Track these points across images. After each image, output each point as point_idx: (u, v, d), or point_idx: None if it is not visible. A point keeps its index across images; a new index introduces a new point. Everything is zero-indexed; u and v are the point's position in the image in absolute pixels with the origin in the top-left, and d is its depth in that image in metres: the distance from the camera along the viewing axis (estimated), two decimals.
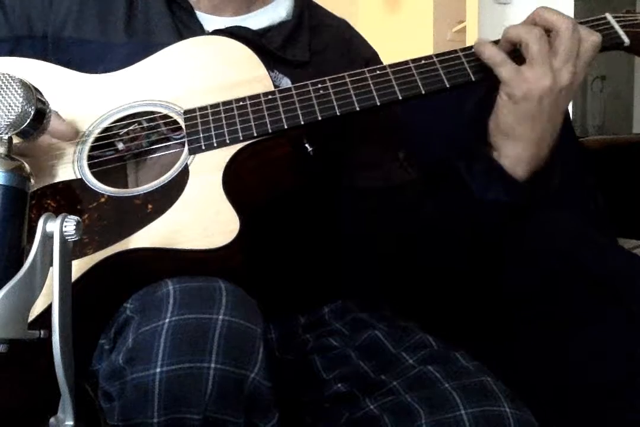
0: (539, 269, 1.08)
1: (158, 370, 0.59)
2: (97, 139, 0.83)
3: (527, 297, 1.07)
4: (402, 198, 0.92)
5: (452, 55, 0.81)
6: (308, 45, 0.96)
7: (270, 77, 0.86)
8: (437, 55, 0.81)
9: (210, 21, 0.94)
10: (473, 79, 0.80)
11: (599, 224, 1.18)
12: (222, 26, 0.92)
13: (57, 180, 0.81)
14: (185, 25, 0.93)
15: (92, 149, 0.82)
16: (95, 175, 0.80)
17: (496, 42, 0.81)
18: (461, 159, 0.84)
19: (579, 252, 1.09)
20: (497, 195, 0.81)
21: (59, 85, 0.87)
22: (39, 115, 0.60)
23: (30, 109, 0.59)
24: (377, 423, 0.72)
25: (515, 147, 0.80)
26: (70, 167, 0.81)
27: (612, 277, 1.08)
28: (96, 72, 0.87)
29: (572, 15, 2.48)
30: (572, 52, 0.77)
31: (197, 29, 0.93)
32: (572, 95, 0.80)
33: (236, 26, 0.93)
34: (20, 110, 0.58)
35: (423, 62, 0.81)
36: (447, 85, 0.80)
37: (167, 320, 0.62)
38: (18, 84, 0.59)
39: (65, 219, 0.56)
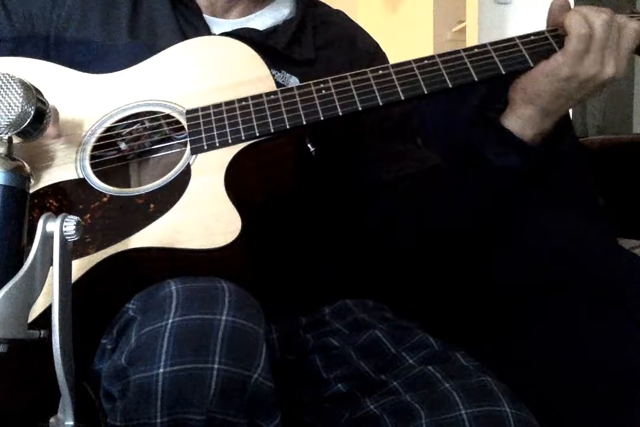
0: (537, 268, 1.08)
1: (161, 370, 0.59)
2: (99, 139, 0.83)
3: (526, 296, 1.07)
4: (435, 181, 0.93)
5: (455, 56, 0.81)
6: (313, 43, 0.96)
7: (279, 77, 0.86)
8: (439, 56, 0.81)
9: (216, 24, 0.94)
10: (475, 79, 0.80)
11: (599, 224, 1.18)
12: (228, 29, 0.92)
13: (59, 179, 0.81)
14: (193, 27, 0.93)
15: (95, 148, 0.82)
16: (98, 175, 0.80)
17: (500, 42, 0.82)
18: (471, 133, 0.85)
19: (578, 251, 1.09)
20: (511, 162, 0.83)
21: (61, 85, 0.87)
22: (39, 115, 0.60)
23: (30, 109, 0.59)
24: (377, 423, 0.72)
25: (533, 112, 0.81)
26: (72, 167, 0.81)
27: (611, 277, 1.08)
28: (98, 73, 0.87)
29: None
30: (612, 42, 0.78)
31: (204, 31, 0.93)
32: (612, 83, 0.80)
33: (243, 28, 0.93)
34: (20, 110, 0.58)
35: (425, 62, 0.81)
36: (450, 86, 0.80)
37: (170, 321, 0.62)
38: (18, 84, 0.59)
39: (65, 219, 0.56)
